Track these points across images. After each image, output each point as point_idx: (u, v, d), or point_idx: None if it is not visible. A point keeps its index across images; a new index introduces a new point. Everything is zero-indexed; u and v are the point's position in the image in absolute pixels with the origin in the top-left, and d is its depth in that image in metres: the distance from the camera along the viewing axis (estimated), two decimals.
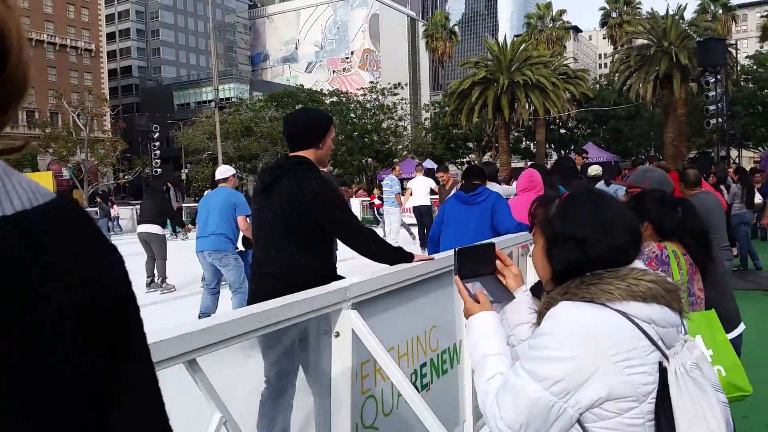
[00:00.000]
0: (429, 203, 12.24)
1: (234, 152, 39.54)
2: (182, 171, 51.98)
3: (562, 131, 49.02)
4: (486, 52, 39.82)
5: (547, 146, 42.65)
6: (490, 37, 54.76)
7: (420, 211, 11.98)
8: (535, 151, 40.03)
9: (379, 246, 2.81)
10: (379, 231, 13.08)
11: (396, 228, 12.50)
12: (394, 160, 42.67)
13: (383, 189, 13.22)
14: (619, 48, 46.35)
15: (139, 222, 9.11)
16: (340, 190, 11.35)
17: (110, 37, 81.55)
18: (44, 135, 39.71)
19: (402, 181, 15.65)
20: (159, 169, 52.10)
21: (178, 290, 9.11)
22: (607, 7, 59.59)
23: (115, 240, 22.63)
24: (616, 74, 36.29)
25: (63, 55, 65.10)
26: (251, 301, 2.68)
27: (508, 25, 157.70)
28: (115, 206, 27.22)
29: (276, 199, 2.70)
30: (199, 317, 5.50)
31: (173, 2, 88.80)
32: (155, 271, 9.00)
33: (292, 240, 2.68)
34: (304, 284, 2.30)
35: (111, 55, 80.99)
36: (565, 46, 63.28)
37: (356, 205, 22.42)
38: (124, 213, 27.41)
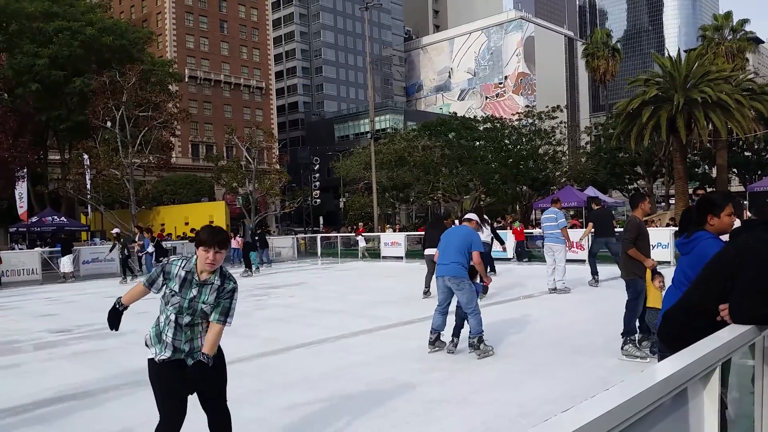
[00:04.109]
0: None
1: (387, 181, 40.08)
2: (340, 200, 54.02)
3: (747, 154, 43.76)
4: (653, 68, 36.69)
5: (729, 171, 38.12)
6: (656, 53, 50.73)
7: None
8: (714, 177, 35.93)
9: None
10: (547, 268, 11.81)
11: (562, 267, 11.32)
12: (552, 187, 40.57)
13: (542, 224, 12.00)
14: None
15: (427, 246, 11.51)
16: (445, 222, 10.85)
17: (278, 75, 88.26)
18: (215, 168, 43.17)
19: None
20: (318, 200, 54.77)
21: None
22: None
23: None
24: None
25: (237, 93, 71.41)
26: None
27: (675, 41, 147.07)
28: (237, 238, 24.35)
29: None
30: (431, 333, 6.78)
31: (335, 39, 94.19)
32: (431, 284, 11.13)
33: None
34: None
35: (279, 92, 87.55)
36: (747, 59, 56.80)
37: (512, 239, 21.30)
38: (285, 242, 28.46)
